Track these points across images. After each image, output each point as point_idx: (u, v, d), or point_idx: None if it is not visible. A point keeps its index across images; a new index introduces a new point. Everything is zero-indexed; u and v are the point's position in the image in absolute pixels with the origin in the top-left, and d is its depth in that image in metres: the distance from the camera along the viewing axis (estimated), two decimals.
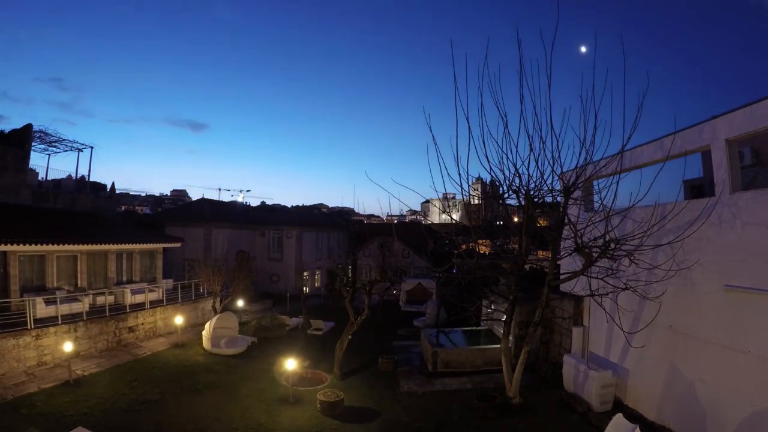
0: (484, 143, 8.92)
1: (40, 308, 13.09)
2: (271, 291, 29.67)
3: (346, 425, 9.17)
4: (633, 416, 8.89)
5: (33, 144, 18.21)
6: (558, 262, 10.18)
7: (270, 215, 35.88)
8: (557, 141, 8.41)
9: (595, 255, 8.35)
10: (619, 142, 8.01)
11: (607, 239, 8.13)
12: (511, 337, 10.57)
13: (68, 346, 11.86)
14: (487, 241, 11.22)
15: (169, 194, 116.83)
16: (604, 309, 8.54)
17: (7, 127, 17.99)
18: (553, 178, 8.84)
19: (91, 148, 20.95)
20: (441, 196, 10.19)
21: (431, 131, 9.09)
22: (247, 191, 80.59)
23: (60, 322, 12.98)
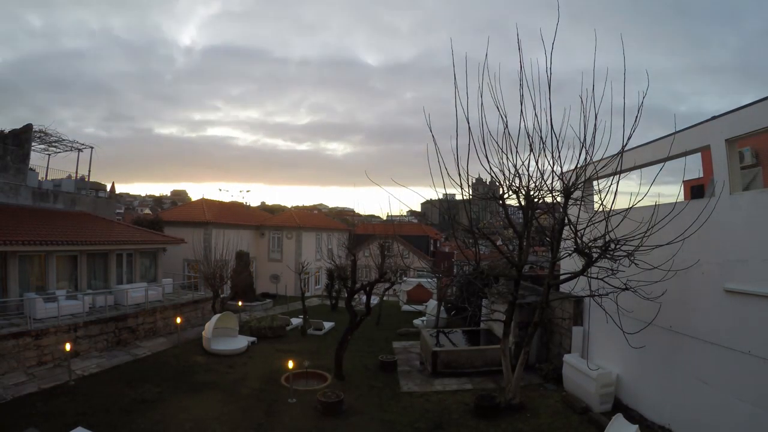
0: (484, 143, 8.93)
1: (40, 308, 13.09)
2: (271, 291, 29.70)
3: (346, 425, 9.16)
4: (633, 416, 8.90)
5: (33, 144, 18.18)
6: (558, 263, 10.17)
7: (270, 215, 35.89)
8: (557, 141, 8.42)
9: (595, 255, 8.34)
10: (619, 142, 8.01)
11: (607, 240, 8.12)
12: (510, 338, 10.57)
13: (68, 346, 11.86)
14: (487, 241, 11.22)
15: (169, 194, 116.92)
16: (604, 309, 8.53)
17: (7, 127, 17.92)
18: (553, 178, 8.85)
19: (92, 148, 20.96)
20: (441, 196, 10.20)
21: (431, 131, 9.09)
22: (247, 191, 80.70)
23: (60, 322, 12.99)
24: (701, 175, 12.94)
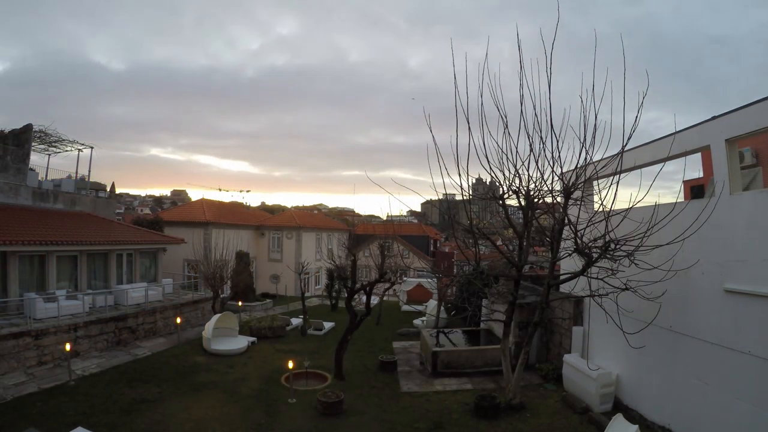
0: (484, 143, 8.93)
1: (40, 308, 13.09)
2: (271, 291, 29.70)
3: (346, 425, 9.16)
4: (633, 416, 8.91)
5: (33, 144, 18.18)
6: (558, 263, 10.17)
7: (270, 215, 35.88)
8: (557, 141, 8.42)
9: (595, 255, 8.34)
10: (619, 142, 8.01)
11: (607, 240, 8.12)
12: (510, 338, 10.56)
13: (68, 346, 11.86)
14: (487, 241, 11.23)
15: (169, 194, 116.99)
16: (604, 309, 8.53)
17: (7, 127, 17.92)
18: (553, 178, 8.85)
19: (91, 148, 20.96)
20: (441, 196, 10.21)
21: (431, 131, 9.09)
22: (247, 191, 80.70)
23: (60, 322, 12.99)
24: (701, 175, 12.95)
